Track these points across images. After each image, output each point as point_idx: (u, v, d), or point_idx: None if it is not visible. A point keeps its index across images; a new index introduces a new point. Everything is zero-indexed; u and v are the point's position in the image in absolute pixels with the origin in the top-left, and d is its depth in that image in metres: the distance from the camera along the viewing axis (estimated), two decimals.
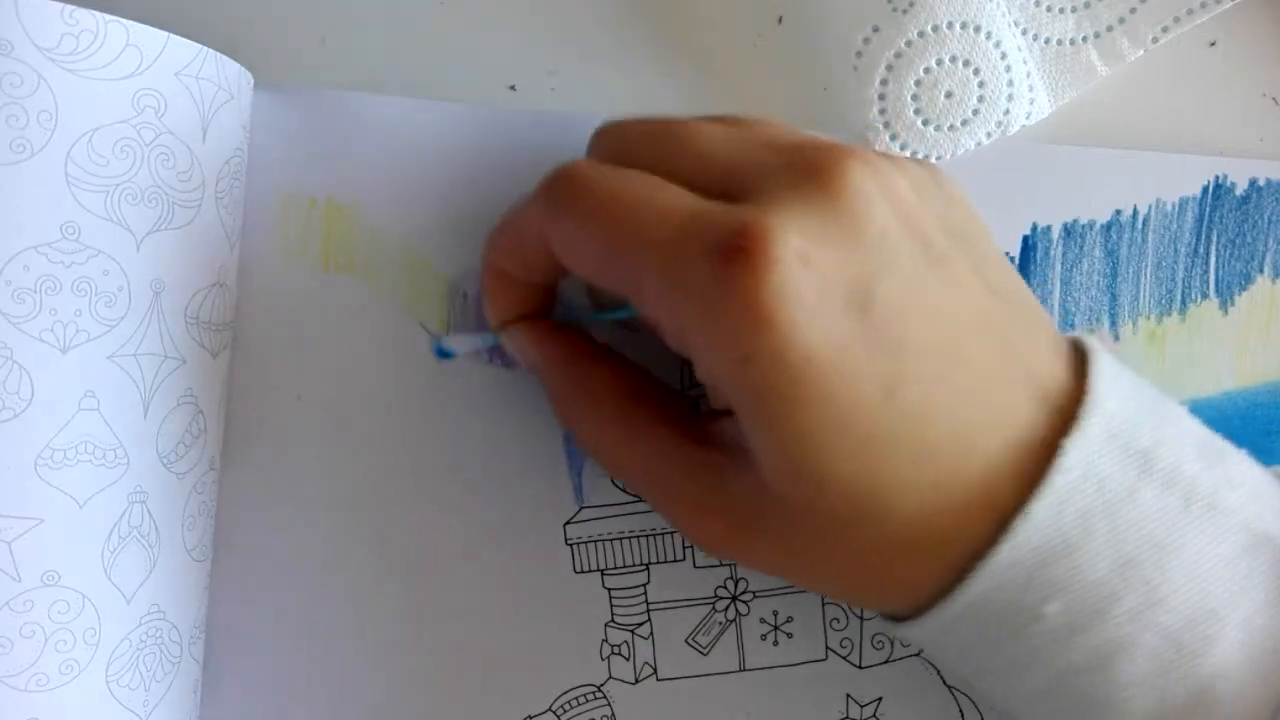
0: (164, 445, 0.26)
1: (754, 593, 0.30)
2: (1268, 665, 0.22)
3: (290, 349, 0.29)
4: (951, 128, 0.30)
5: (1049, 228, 0.30)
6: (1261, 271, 0.31)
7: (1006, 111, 0.30)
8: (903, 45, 0.29)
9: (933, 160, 0.30)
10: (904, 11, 0.29)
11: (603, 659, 0.29)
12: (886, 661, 0.30)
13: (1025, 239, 0.30)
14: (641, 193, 0.23)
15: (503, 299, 0.27)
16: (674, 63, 0.31)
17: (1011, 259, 0.30)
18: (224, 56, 0.27)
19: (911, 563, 0.23)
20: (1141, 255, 0.31)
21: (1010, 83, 0.29)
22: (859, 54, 0.29)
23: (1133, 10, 0.30)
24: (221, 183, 0.27)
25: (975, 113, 0.29)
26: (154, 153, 0.26)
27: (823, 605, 0.30)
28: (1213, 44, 0.32)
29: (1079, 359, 0.24)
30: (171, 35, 0.26)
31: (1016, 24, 0.30)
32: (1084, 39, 0.31)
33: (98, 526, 0.25)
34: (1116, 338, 0.30)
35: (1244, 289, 0.31)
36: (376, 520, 0.29)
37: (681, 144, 0.24)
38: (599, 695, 0.29)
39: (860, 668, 0.30)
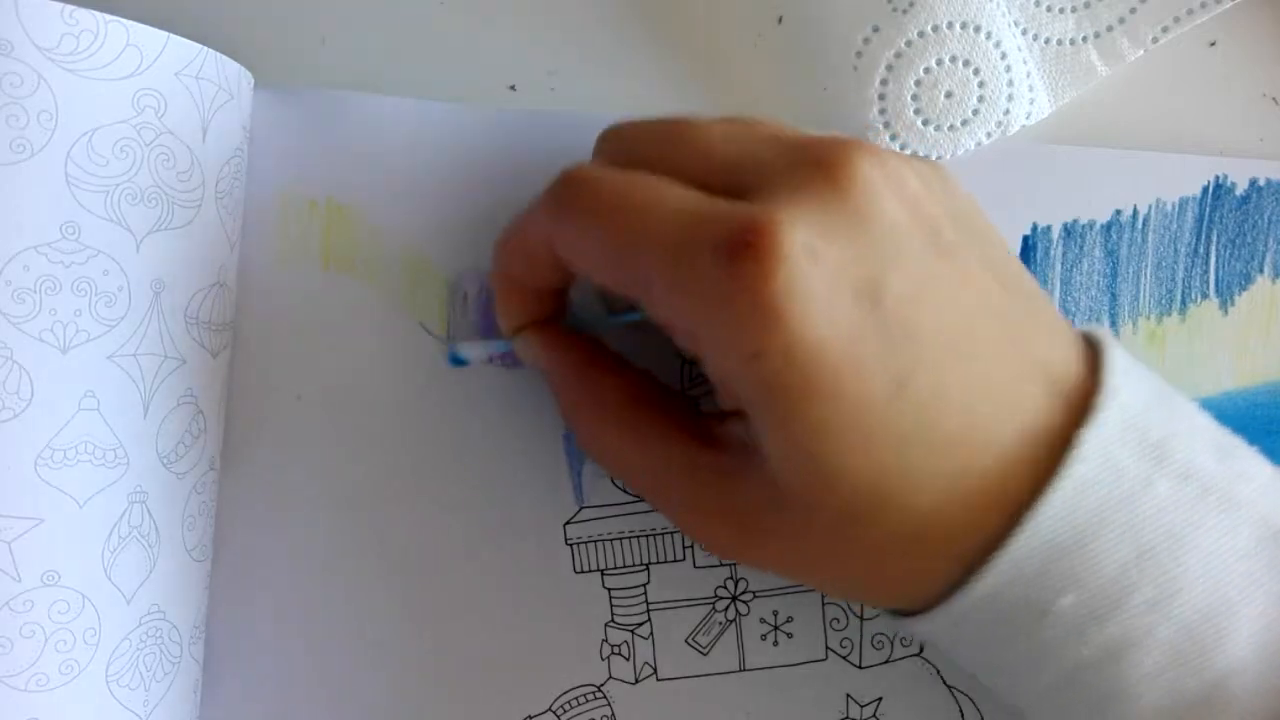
0: (164, 445, 0.26)
1: (754, 593, 0.30)
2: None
3: (290, 349, 0.29)
4: (951, 128, 0.30)
5: (1049, 228, 0.30)
6: (1261, 271, 0.31)
7: (1006, 111, 0.30)
8: (903, 45, 0.29)
9: (931, 159, 0.30)
10: (904, 11, 0.29)
11: (603, 659, 0.29)
12: (886, 661, 0.30)
13: (1025, 239, 0.30)
14: (646, 193, 0.23)
15: (513, 305, 0.27)
16: (674, 63, 0.31)
17: None
18: (224, 56, 0.27)
19: (923, 557, 0.23)
20: (1141, 255, 0.31)
21: (1010, 83, 0.29)
22: (859, 54, 0.29)
23: (1133, 10, 0.30)
24: (221, 183, 0.27)
25: (975, 113, 0.29)
26: (154, 153, 0.26)
27: (823, 605, 0.30)
28: (1213, 44, 0.32)
29: (1091, 352, 0.24)
30: (171, 35, 0.26)
31: (1016, 24, 0.30)
32: (1084, 39, 0.31)
33: (98, 526, 0.25)
34: (1116, 338, 0.30)
35: (1244, 289, 0.31)
36: (376, 520, 0.29)
37: (685, 143, 0.24)
38: (599, 695, 0.29)
39: (860, 668, 0.30)
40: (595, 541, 0.30)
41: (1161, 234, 0.31)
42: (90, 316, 0.25)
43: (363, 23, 0.31)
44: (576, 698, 0.29)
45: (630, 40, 0.31)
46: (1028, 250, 0.30)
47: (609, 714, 0.29)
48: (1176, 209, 0.31)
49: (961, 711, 0.30)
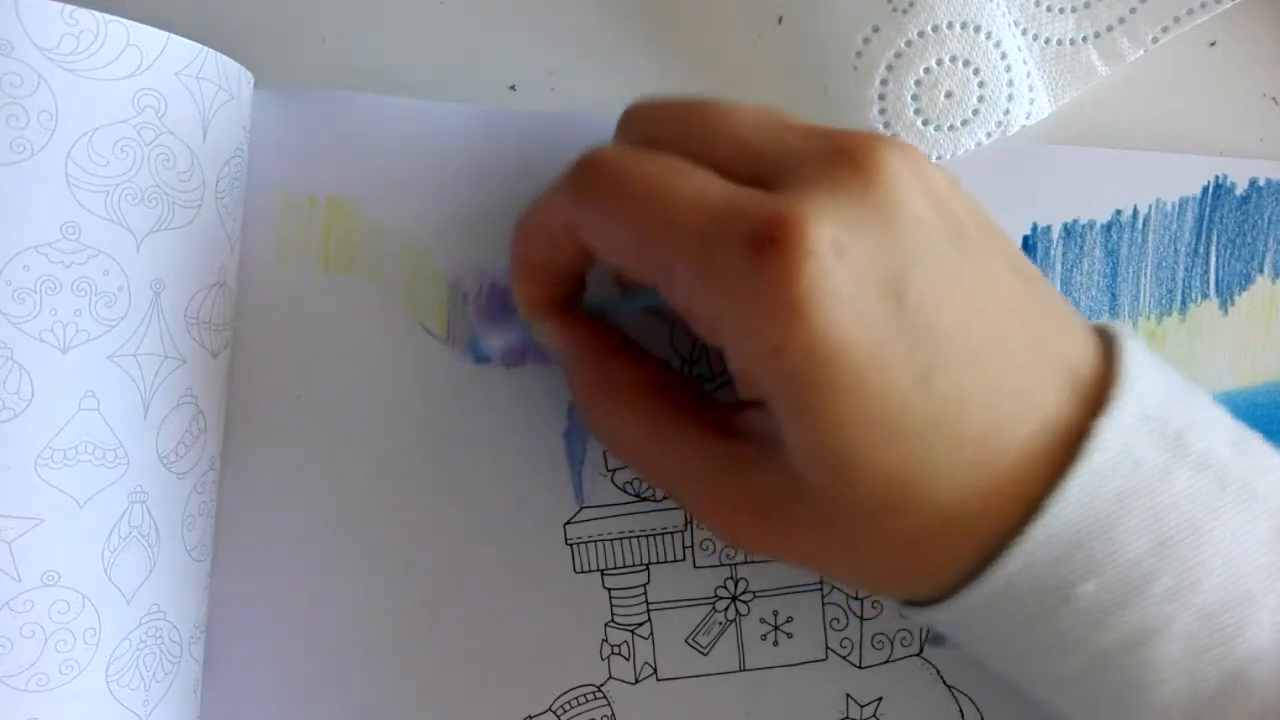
0: (164, 445, 0.26)
1: (754, 593, 0.30)
2: None
3: (290, 349, 0.29)
4: (951, 128, 0.30)
5: (1049, 228, 0.30)
6: (1261, 271, 0.31)
7: (1006, 111, 0.30)
8: (903, 45, 0.29)
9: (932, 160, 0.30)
10: (904, 11, 0.29)
11: (603, 659, 0.29)
12: (886, 661, 0.30)
13: (1025, 239, 0.30)
14: (671, 180, 0.22)
15: (531, 288, 0.27)
16: (674, 63, 0.31)
17: None
18: (224, 56, 0.27)
19: (943, 548, 0.23)
20: (1141, 255, 0.31)
21: (1010, 83, 0.29)
22: (859, 54, 0.29)
23: (1133, 10, 0.30)
24: (222, 183, 0.27)
25: (975, 113, 0.29)
26: (154, 153, 0.26)
27: (823, 605, 0.30)
28: (1213, 44, 0.32)
29: (1107, 345, 0.24)
30: (172, 35, 0.26)
31: (1016, 24, 0.30)
32: (1084, 39, 0.31)
33: (98, 526, 0.25)
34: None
35: (1244, 289, 0.31)
36: (376, 520, 0.29)
37: (712, 127, 0.24)
38: (599, 695, 0.29)
39: (860, 668, 0.30)
40: (595, 541, 0.30)
41: (1161, 234, 0.31)
42: (90, 316, 0.25)
43: (363, 23, 0.31)
44: (576, 698, 0.29)
45: (630, 40, 0.31)
46: (1028, 250, 0.30)
47: (609, 714, 0.29)
48: (1176, 209, 0.31)
49: (961, 711, 0.30)
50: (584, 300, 0.28)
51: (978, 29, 0.29)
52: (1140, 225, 0.31)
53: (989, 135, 0.30)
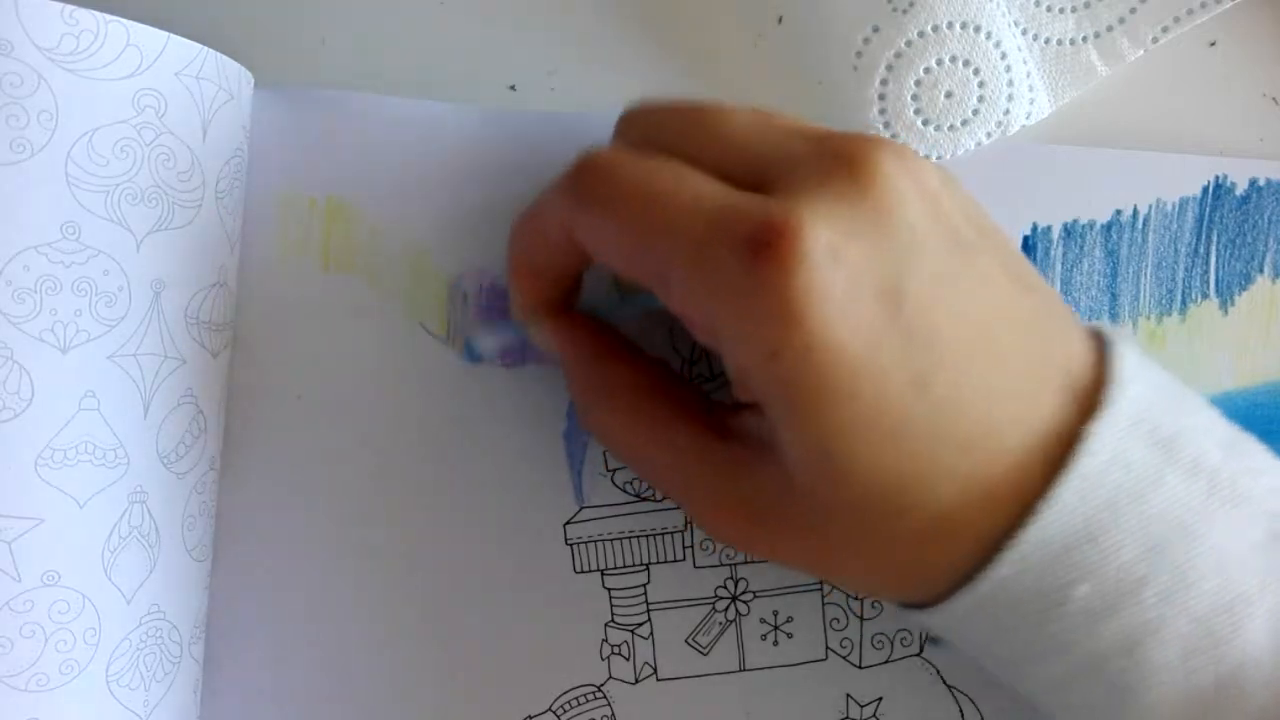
0: (164, 445, 0.26)
1: (754, 593, 0.30)
2: None
3: (290, 349, 0.29)
4: (951, 128, 0.30)
5: (1049, 228, 0.30)
6: (1261, 271, 0.31)
7: (1006, 111, 0.30)
8: (903, 45, 0.29)
9: (933, 160, 0.30)
10: (904, 11, 0.29)
11: (603, 659, 0.29)
12: (886, 661, 0.30)
13: (1025, 239, 0.30)
14: (669, 184, 0.22)
15: (527, 289, 0.27)
16: (674, 63, 0.31)
17: None
18: (224, 56, 0.27)
19: (937, 552, 0.23)
20: (1141, 255, 0.31)
21: (1010, 83, 0.29)
22: (859, 54, 0.29)
23: (1133, 10, 0.30)
24: (222, 183, 0.27)
25: (975, 113, 0.29)
26: (154, 153, 0.26)
27: (823, 605, 0.30)
28: (1213, 44, 0.32)
29: (1102, 348, 0.24)
30: (172, 35, 0.26)
31: (1016, 24, 0.30)
32: (1084, 39, 0.31)
33: (98, 526, 0.25)
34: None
35: (1244, 289, 0.31)
36: (376, 520, 0.29)
37: (710, 130, 0.24)
38: (599, 695, 0.29)
39: (860, 668, 0.30)
40: (595, 541, 0.30)
41: (1161, 234, 0.31)
42: (90, 316, 0.25)
43: (363, 23, 0.31)
44: (576, 698, 0.29)
45: (630, 40, 0.31)
46: (1028, 250, 0.30)
47: (609, 714, 0.29)
48: (1176, 209, 0.31)
49: (961, 711, 0.30)
50: (580, 301, 0.28)
51: (978, 29, 0.29)
52: (1140, 225, 0.31)
53: (989, 135, 0.30)
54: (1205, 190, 0.31)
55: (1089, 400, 0.22)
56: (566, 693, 0.29)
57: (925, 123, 0.29)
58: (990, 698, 0.29)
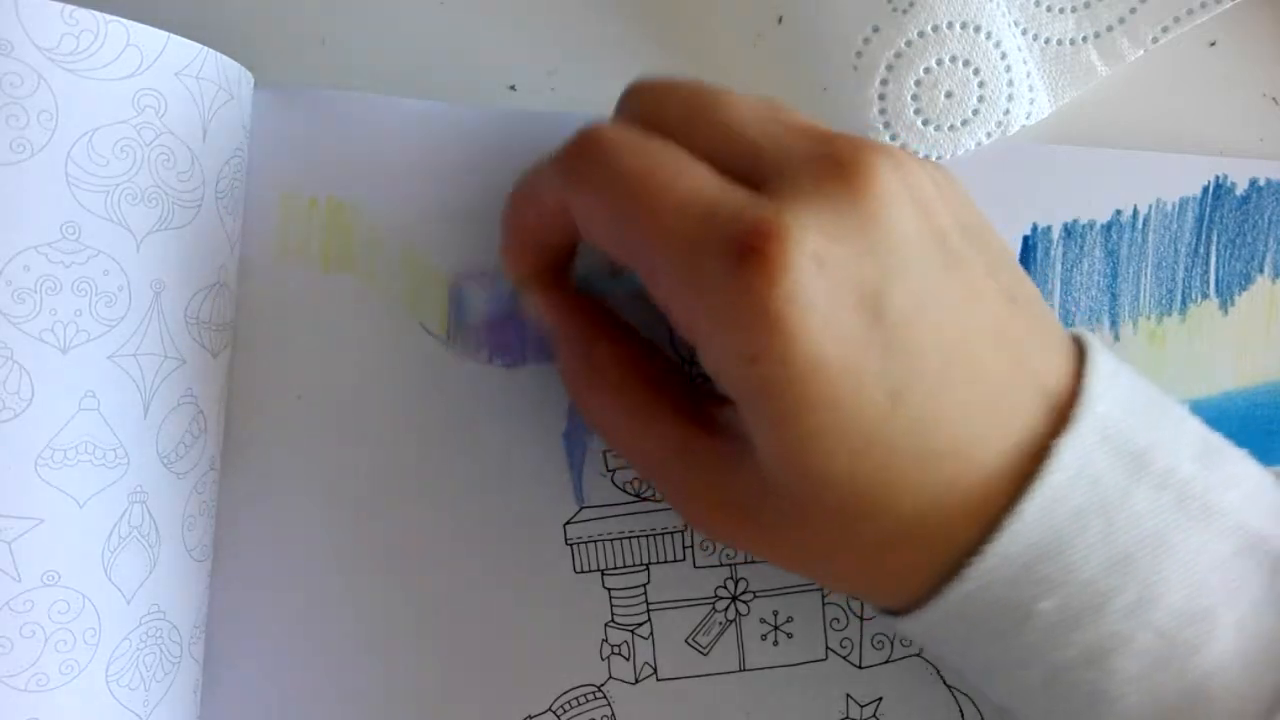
0: (164, 445, 0.26)
1: (754, 593, 0.30)
2: (1260, 666, 0.22)
3: (290, 349, 0.29)
4: (951, 128, 0.30)
5: (1049, 228, 0.30)
6: (1261, 271, 0.31)
7: (1006, 111, 0.30)
8: (903, 45, 0.29)
9: (933, 162, 0.30)
10: (904, 11, 0.29)
11: (603, 659, 0.29)
12: (886, 661, 0.30)
13: (1025, 239, 0.30)
14: (662, 175, 0.22)
15: (520, 257, 0.27)
16: (674, 63, 0.31)
17: None
18: (224, 56, 0.27)
19: (907, 558, 0.23)
20: (1141, 255, 0.31)
21: (1010, 83, 0.29)
22: (859, 54, 0.29)
23: (1133, 10, 0.30)
24: (222, 183, 0.27)
25: (975, 113, 0.29)
26: (154, 153, 0.26)
27: (823, 605, 0.30)
28: (1213, 44, 0.32)
29: (1080, 357, 0.24)
30: (172, 35, 0.26)
31: (1016, 24, 0.30)
32: (1084, 39, 0.31)
33: (98, 526, 0.25)
34: (1117, 338, 0.30)
35: (1244, 289, 0.31)
36: (376, 520, 0.29)
37: (712, 116, 0.24)
38: (599, 695, 0.29)
39: (860, 668, 0.30)
40: (595, 541, 0.30)
41: (1161, 234, 0.31)
42: (90, 316, 0.25)
43: (363, 23, 0.31)
44: (576, 698, 0.29)
45: (630, 40, 0.31)
46: (1028, 250, 0.30)
47: (609, 714, 0.29)
48: (1176, 209, 0.31)
49: (961, 711, 0.30)
50: (574, 271, 0.28)
51: (978, 29, 0.29)
52: (1140, 225, 0.31)
53: (989, 135, 0.30)
54: (1205, 190, 0.31)
55: (1062, 414, 0.22)
56: (566, 693, 0.29)
57: (925, 123, 0.29)
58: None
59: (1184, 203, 0.31)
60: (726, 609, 0.30)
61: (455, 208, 0.29)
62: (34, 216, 0.24)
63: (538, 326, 0.28)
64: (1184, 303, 0.31)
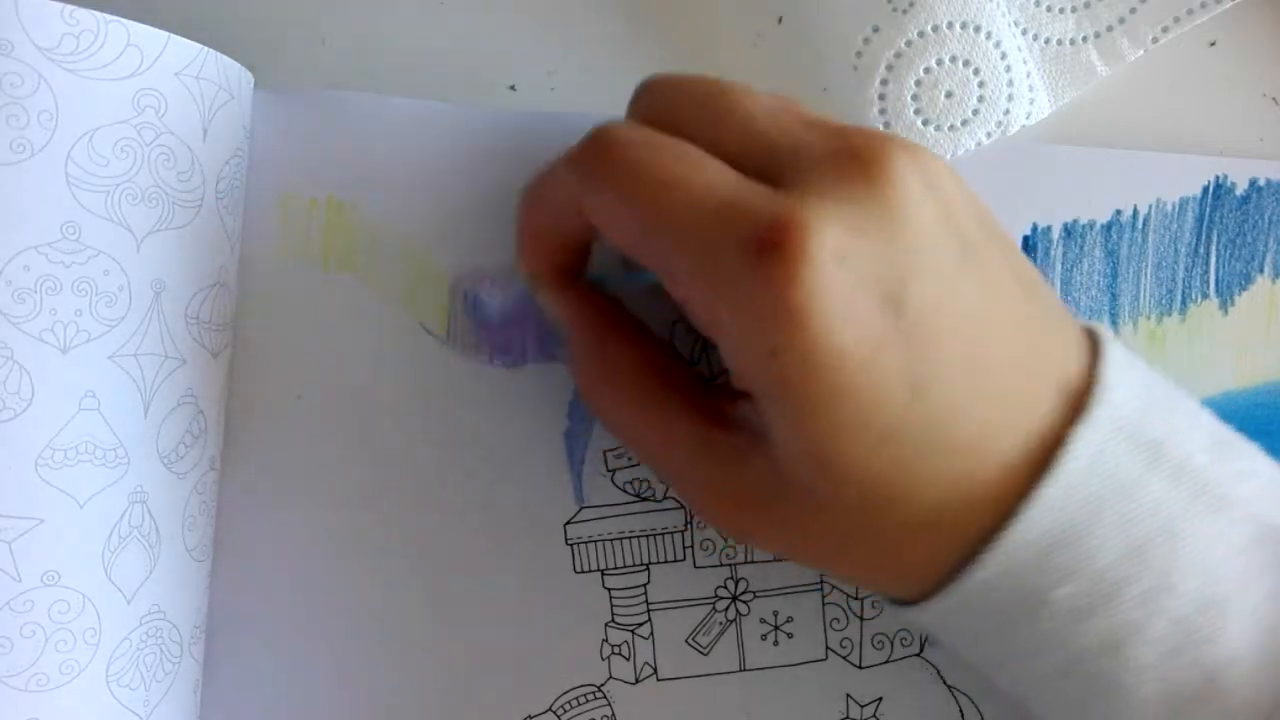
0: (164, 445, 0.26)
1: (754, 593, 0.30)
2: (1275, 655, 0.22)
3: (290, 349, 0.29)
4: (951, 128, 0.30)
5: (1049, 228, 0.30)
6: (1261, 271, 0.31)
7: (1006, 111, 0.30)
8: (903, 45, 0.29)
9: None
10: (904, 11, 0.29)
11: (603, 659, 0.29)
12: (886, 661, 0.30)
13: (1025, 239, 0.30)
14: (678, 171, 0.22)
15: (535, 254, 0.27)
16: (674, 63, 0.31)
17: None
18: (224, 56, 0.27)
19: (924, 550, 0.23)
20: (1141, 255, 0.31)
21: (1010, 83, 0.29)
22: (859, 54, 0.29)
23: (1133, 10, 0.30)
24: (222, 182, 0.27)
25: (975, 113, 0.29)
26: (154, 153, 0.26)
27: (823, 605, 0.30)
28: (1213, 44, 0.32)
29: (1093, 349, 0.24)
30: (172, 35, 0.26)
31: (1016, 24, 0.30)
32: (1084, 39, 0.31)
33: (98, 526, 0.25)
34: (1116, 334, 0.30)
35: (1244, 289, 0.31)
36: (376, 520, 0.29)
37: (727, 111, 0.23)
38: (599, 695, 0.29)
39: (860, 668, 0.30)
40: (595, 541, 0.30)
41: (1161, 234, 0.31)
42: (91, 316, 0.25)
43: (363, 23, 0.31)
44: (576, 698, 0.29)
45: (630, 40, 0.31)
46: (1028, 250, 0.30)
47: (609, 714, 0.29)
48: (1176, 209, 0.31)
49: (961, 711, 0.30)
50: (588, 269, 0.28)
51: (978, 29, 0.29)
52: (1140, 225, 0.31)
53: (989, 135, 0.30)
54: (1205, 190, 0.31)
55: (1078, 404, 0.22)
56: (566, 693, 0.29)
57: (925, 123, 0.29)
58: (990, 698, 0.29)
59: (1184, 203, 0.31)
60: (727, 609, 0.30)
61: (455, 208, 0.29)
62: (34, 216, 0.24)
63: (551, 323, 0.28)
64: (1184, 303, 0.31)
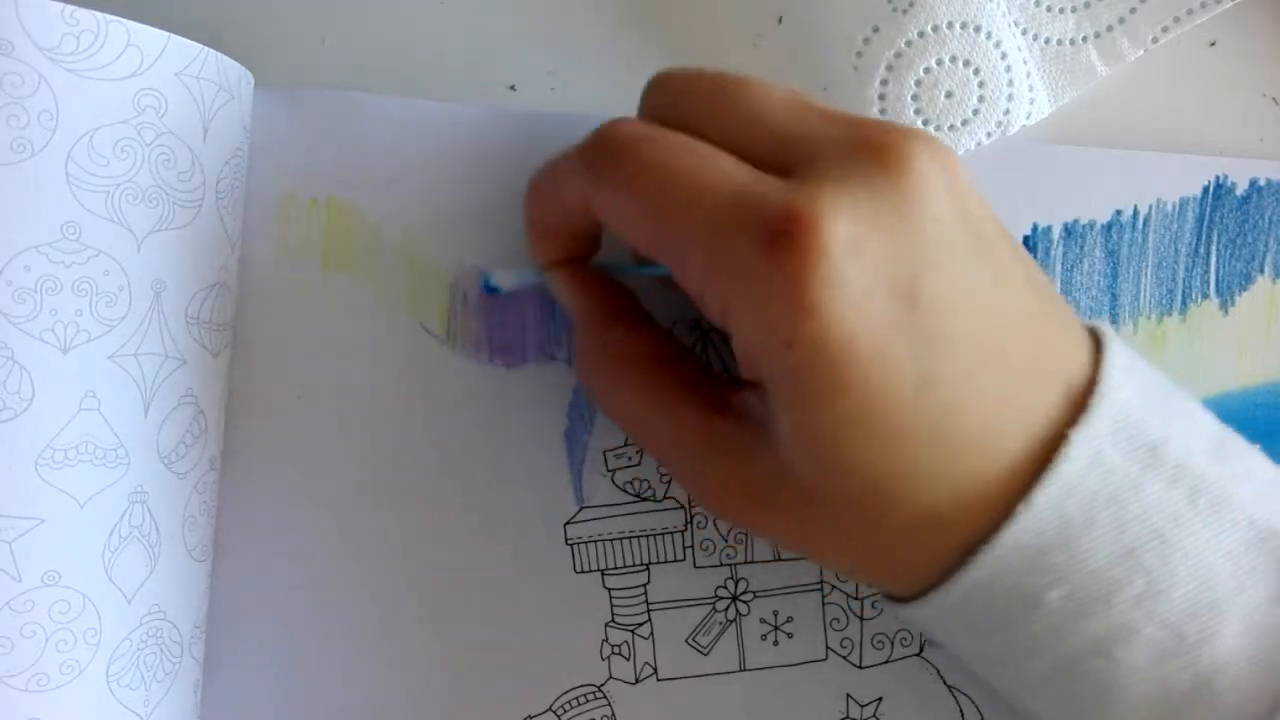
0: (165, 445, 0.26)
1: (754, 593, 0.30)
2: (1267, 661, 0.22)
3: (290, 349, 0.29)
4: (951, 128, 0.30)
5: (1049, 228, 0.30)
6: (1261, 271, 0.31)
7: (1006, 111, 0.30)
8: (903, 45, 0.29)
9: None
10: (904, 11, 0.29)
11: (603, 659, 0.29)
12: (886, 661, 0.30)
13: (1025, 239, 0.30)
14: (688, 165, 0.22)
15: (544, 244, 0.27)
16: (673, 63, 0.31)
17: None
18: (224, 56, 0.27)
19: (923, 547, 0.23)
20: (1142, 255, 0.31)
21: (1010, 83, 0.29)
22: (859, 54, 0.29)
23: (1133, 10, 0.30)
24: (222, 182, 0.27)
25: (975, 113, 0.29)
26: (155, 153, 0.26)
27: (823, 605, 0.30)
28: (1213, 44, 0.32)
29: (1097, 348, 0.24)
30: (172, 35, 0.26)
31: (1016, 24, 0.30)
32: (1084, 39, 0.31)
33: (98, 526, 0.25)
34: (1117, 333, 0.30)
35: (1244, 289, 0.31)
36: (376, 520, 0.29)
37: (737, 106, 0.23)
38: (599, 695, 0.29)
39: (860, 668, 0.30)
40: (595, 541, 0.30)
41: (1162, 234, 0.31)
42: (91, 316, 0.25)
43: (363, 23, 0.31)
44: (576, 698, 0.29)
45: (630, 40, 0.31)
46: (1028, 250, 0.30)
47: (609, 714, 0.29)
48: (1177, 209, 0.31)
49: (961, 711, 0.30)
50: (597, 258, 0.28)
51: (978, 29, 0.29)
52: (1140, 225, 0.31)
53: (989, 135, 0.30)
54: (1205, 190, 0.31)
55: (1079, 404, 0.22)
56: (566, 693, 0.29)
57: (925, 123, 0.29)
58: (990, 698, 0.29)
59: (1184, 203, 0.31)
60: (727, 609, 0.30)
61: (455, 207, 0.29)
62: (34, 216, 0.24)
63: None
64: (1184, 303, 0.31)
